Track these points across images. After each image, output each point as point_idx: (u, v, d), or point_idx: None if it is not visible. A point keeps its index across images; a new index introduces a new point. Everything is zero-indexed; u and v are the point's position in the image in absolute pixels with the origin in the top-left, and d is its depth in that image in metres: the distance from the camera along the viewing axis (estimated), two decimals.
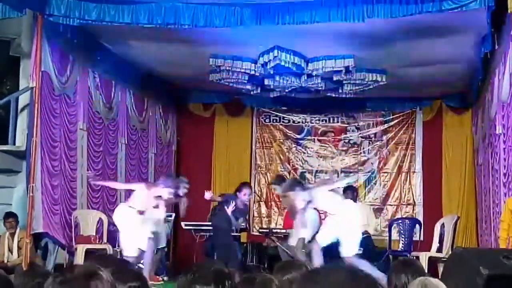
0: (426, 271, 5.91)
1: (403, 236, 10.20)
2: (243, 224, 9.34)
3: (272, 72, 9.61)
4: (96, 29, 8.29)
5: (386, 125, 12.48)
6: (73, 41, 8.48)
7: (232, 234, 9.08)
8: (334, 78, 9.77)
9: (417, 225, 10.39)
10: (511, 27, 6.53)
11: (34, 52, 7.84)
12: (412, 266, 3.47)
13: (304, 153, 12.71)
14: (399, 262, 3.74)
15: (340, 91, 10.50)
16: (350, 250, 7.46)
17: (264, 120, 12.88)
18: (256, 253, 10.42)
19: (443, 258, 8.64)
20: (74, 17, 7.54)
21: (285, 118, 12.80)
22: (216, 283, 2.37)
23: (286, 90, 10.56)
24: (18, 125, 9.13)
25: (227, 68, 9.55)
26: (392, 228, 10.36)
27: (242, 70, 9.59)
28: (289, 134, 12.79)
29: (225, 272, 2.49)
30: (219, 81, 10.10)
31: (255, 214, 12.61)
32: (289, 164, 12.71)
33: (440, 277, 6.54)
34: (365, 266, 7.32)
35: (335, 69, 9.33)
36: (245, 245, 10.57)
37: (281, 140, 12.80)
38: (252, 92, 10.81)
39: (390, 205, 12.25)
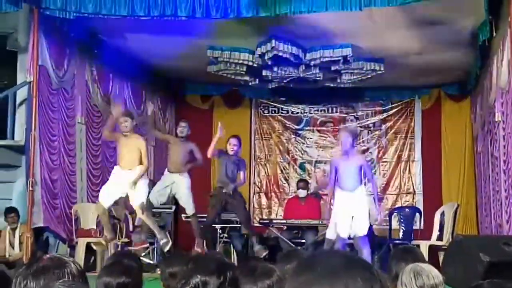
0: (426, 259, 5.93)
1: (403, 225, 10.20)
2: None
3: (270, 63, 9.60)
4: (92, 22, 8.26)
5: (385, 114, 12.47)
6: (70, 35, 8.47)
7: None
8: (332, 68, 9.75)
9: (417, 214, 10.39)
10: (509, 14, 6.51)
11: (31, 46, 7.84)
12: (412, 254, 3.48)
13: (303, 143, 12.71)
14: (399, 250, 3.75)
15: (339, 81, 10.49)
16: (365, 226, 7.50)
17: (263, 111, 12.87)
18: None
19: (444, 246, 8.64)
20: (70, 10, 7.51)
21: (284, 109, 12.79)
22: (218, 274, 2.37)
23: (285, 81, 10.55)
24: (17, 120, 9.11)
25: (225, 59, 9.54)
26: (392, 217, 10.36)
27: (240, 61, 9.58)
28: (288, 125, 12.78)
29: (227, 263, 2.49)
30: (217, 72, 10.08)
31: (255, 205, 12.62)
32: (289, 155, 12.71)
33: (441, 265, 6.57)
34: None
35: (333, 58, 9.31)
36: (245, 236, 10.57)
37: (280, 131, 12.80)
38: (250, 83, 10.80)
39: (390, 194, 12.26)
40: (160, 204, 8.68)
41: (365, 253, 7.37)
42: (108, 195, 7.67)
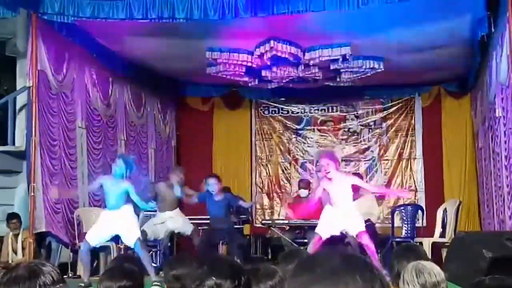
0: (429, 256, 5.92)
1: (406, 222, 10.18)
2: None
3: (269, 63, 9.59)
4: (91, 26, 8.26)
5: (385, 112, 12.47)
6: (68, 39, 8.46)
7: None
8: (331, 67, 9.74)
9: (419, 211, 10.37)
10: (507, 9, 6.50)
11: (30, 51, 7.83)
12: (414, 252, 3.46)
13: (304, 143, 12.70)
14: (401, 248, 3.74)
15: (338, 79, 10.48)
16: (361, 224, 7.46)
17: (263, 112, 12.86)
18: (259, 245, 10.43)
19: (447, 243, 8.63)
20: (68, 15, 7.54)
21: (284, 109, 12.79)
22: (233, 278, 2.37)
23: (284, 81, 10.54)
24: (17, 125, 9.13)
25: (224, 60, 9.53)
26: (395, 215, 10.34)
27: (239, 62, 9.57)
28: (288, 125, 12.77)
29: (241, 267, 2.50)
30: (216, 74, 10.08)
31: (258, 206, 12.61)
32: (290, 155, 12.70)
33: (443, 262, 6.56)
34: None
35: (332, 57, 9.30)
36: (248, 237, 10.58)
37: (281, 131, 12.80)
38: (249, 84, 10.79)
39: None
40: (155, 240, 8.73)
41: (369, 251, 7.33)
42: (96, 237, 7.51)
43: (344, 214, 7.40)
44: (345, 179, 7.54)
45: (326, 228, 7.46)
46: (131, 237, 7.37)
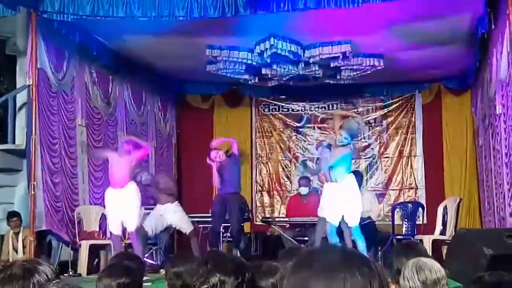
0: (430, 254, 5.92)
1: (406, 220, 10.19)
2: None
3: (269, 61, 9.59)
4: (91, 24, 8.25)
5: (385, 110, 12.46)
6: (68, 37, 8.46)
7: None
8: (332, 65, 9.74)
9: (420, 209, 10.38)
10: (507, 6, 6.49)
11: (29, 50, 7.83)
12: (413, 249, 3.46)
13: (304, 141, 12.70)
14: (401, 246, 3.74)
15: (338, 77, 10.47)
16: (355, 219, 7.50)
17: (263, 110, 12.86)
18: (260, 242, 10.44)
19: (447, 240, 8.63)
20: (68, 13, 7.51)
21: (284, 107, 12.79)
22: (236, 274, 2.38)
23: (284, 79, 10.54)
24: (17, 123, 9.12)
25: (224, 58, 9.52)
26: (395, 212, 10.35)
27: (239, 60, 9.57)
28: (288, 123, 12.77)
29: (245, 264, 2.51)
30: (216, 71, 10.08)
31: (258, 204, 12.62)
32: (290, 153, 12.70)
33: (444, 259, 6.56)
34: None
35: (332, 55, 9.30)
36: (248, 235, 10.58)
37: (281, 129, 12.80)
38: (250, 82, 10.78)
39: (392, 190, 12.24)
40: (155, 234, 8.75)
41: (360, 245, 7.37)
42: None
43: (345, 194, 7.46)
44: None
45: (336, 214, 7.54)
46: (131, 223, 7.69)
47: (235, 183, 9.19)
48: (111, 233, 8.00)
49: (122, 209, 7.69)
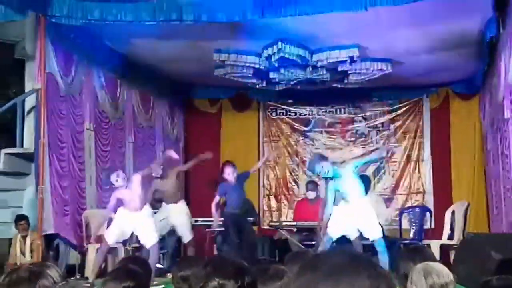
0: (438, 258, 5.90)
1: (414, 225, 10.16)
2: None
3: (276, 65, 9.59)
4: (99, 28, 8.28)
5: (393, 114, 12.44)
6: (76, 41, 8.49)
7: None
8: (339, 69, 9.73)
9: (427, 213, 10.36)
10: None
11: (38, 54, 7.87)
12: (420, 253, 3.45)
13: (312, 145, 12.68)
14: (407, 250, 3.73)
15: (346, 81, 10.47)
16: (376, 231, 7.46)
17: (271, 114, 12.86)
18: (267, 247, 10.42)
19: (455, 245, 8.60)
20: (76, 17, 7.54)
21: (292, 111, 12.78)
22: (236, 278, 2.38)
23: (292, 83, 10.53)
24: (26, 127, 9.16)
25: (232, 62, 9.53)
26: (403, 217, 10.33)
27: (247, 64, 9.57)
28: (296, 127, 12.77)
29: (245, 268, 2.51)
30: (224, 76, 10.09)
31: (265, 208, 12.61)
32: (297, 157, 12.70)
33: (452, 263, 6.54)
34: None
35: (339, 59, 9.29)
36: (247, 229, 10.53)
37: (289, 133, 12.79)
38: (257, 86, 10.79)
39: (400, 194, 12.21)
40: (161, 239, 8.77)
41: (382, 257, 7.30)
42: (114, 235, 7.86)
43: (358, 211, 7.43)
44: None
45: (338, 228, 7.52)
46: (149, 239, 7.77)
47: (241, 204, 9.07)
48: (103, 238, 7.97)
49: (137, 226, 7.77)
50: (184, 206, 8.89)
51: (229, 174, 8.71)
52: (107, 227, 8.29)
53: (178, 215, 8.71)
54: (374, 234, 7.53)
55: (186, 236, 8.80)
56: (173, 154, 8.88)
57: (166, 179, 8.81)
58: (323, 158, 7.95)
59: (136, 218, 7.77)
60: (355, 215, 7.51)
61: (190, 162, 9.62)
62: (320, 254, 1.36)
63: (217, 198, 8.72)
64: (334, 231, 7.56)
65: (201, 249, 9.72)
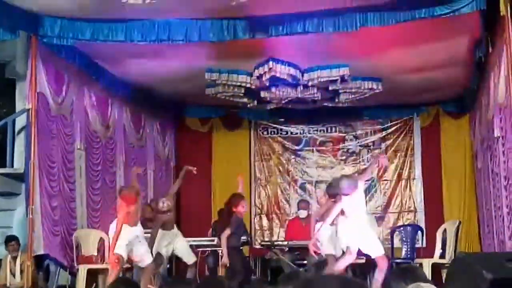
0: (430, 278, 5.88)
1: (405, 243, 10.15)
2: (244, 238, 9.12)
3: (268, 84, 9.62)
4: (90, 48, 8.29)
5: (384, 133, 12.47)
6: (68, 61, 8.49)
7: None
8: (330, 88, 9.77)
9: (419, 232, 10.35)
10: (505, 30, 6.53)
11: (29, 73, 7.84)
12: (412, 273, 3.43)
13: (303, 164, 12.69)
14: (399, 270, 3.72)
15: (337, 100, 10.51)
16: (379, 248, 7.41)
17: (262, 133, 12.87)
18: (259, 266, 10.37)
19: (447, 264, 8.59)
20: (68, 37, 7.56)
21: (283, 130, 12.80)
22: None
23: (283, 102, 10.56)
24: (16, 147, 9.14)
25: (223, 82, 9.56)
26: (394, 236, 10.32)
27: (238, 83, 9.60)
28: (287, 146, 12.77)
29: None
30: (215, 95, 10.10)
31: (257, 227, 12.57)
32: (289, 176, 12.68)
33: (443, 282, 6.52)
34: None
35: (330, 78, 9.34)
36: (247, 259, 10.51)
37: (280, 152, 12.79)
38: (249, 105, 10.81)
39: (391, 213, 12.21)
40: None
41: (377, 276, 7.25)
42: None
43: (359, 229, 7.38)
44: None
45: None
46: (145, 259, 7.70)
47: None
48: (114, 252, 7.79)
49: (138, 246, 7.69)
50: (177, 230, 8.80)
51: (244, 206, 8.55)
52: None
53: (178, 238, 8.62)
54: (377, 251, 7.43)
55: (191, 258, 8.66)
56: (138, 170, 8.81)
57: (170, 211, 8.66)
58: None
59: (138, 231, 7.74)
60: (357, 231, 7.42)
61: (178, 180, 9.45)
62: (313, 278, 1.36)
63: (228, 232, 8.35)
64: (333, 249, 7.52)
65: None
